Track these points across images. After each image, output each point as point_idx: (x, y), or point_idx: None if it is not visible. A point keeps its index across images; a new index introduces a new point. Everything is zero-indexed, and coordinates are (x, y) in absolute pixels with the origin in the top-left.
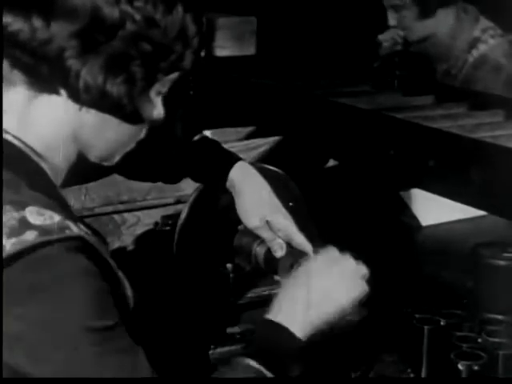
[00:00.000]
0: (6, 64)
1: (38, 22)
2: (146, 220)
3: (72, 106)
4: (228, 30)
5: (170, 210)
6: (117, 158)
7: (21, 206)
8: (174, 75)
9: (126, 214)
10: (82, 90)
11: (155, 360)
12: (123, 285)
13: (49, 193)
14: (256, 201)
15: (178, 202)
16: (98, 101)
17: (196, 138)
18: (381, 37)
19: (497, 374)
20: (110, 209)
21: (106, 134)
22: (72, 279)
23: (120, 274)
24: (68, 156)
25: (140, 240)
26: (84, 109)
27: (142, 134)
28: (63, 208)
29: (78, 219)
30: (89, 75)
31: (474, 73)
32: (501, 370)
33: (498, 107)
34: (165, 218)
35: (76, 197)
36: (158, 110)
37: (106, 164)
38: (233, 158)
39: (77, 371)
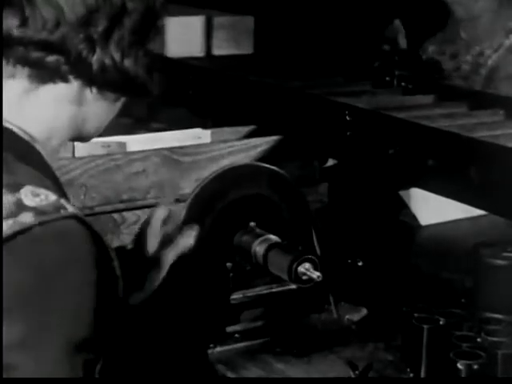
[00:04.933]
0: (5, 61)
1: (49, 18)
2: None
3: (75, 89)
4: (225, 28)
5: None
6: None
7: (16, 187)
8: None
9: (125, 213)
10: (97, 71)
11: (154, 359)
12: (116, 265)
13: (44, 172)
14: None
15: (178, 201)
16: (112, 79)
17: None
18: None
19: (496, 374)
20: (109, 208)
21: (99, 111)
22: (67, 258)
23: (113, 253)
24: (63, 137)
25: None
26: (86, 90)
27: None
28: (58, 187)
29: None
30: (105, 56)
31: (508, 55)
32: (500, 370)
33: (498, 106)
34: None
35: (76, 196)
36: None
37: (87, 141)
38: None
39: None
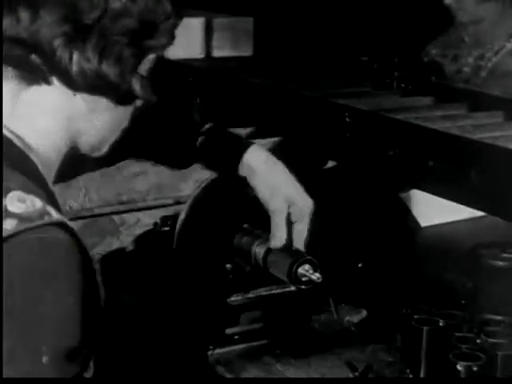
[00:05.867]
0: None
1: (24, 13)
2: (146, 220)
3: (63, 94)
4: (225, 30)
5: (170, 211)
6: (106, 148)
7: (3, 193)
8: (154, 54)
9: (125, 215)
10: (76, 74)
11: (154, 360)
12: (96, 275)
13: (35, 181)
14: (281, 181)
15: (178, 202)
16: (93, 84)
17: (206, 126)
18: None
19: (496, 375)
20: (109, 209)
21: (97, 121)
22: (50, 265)
23: (94, 261)
24: (59, 147)
25: (139, 240)
26: (75, 96)
27: (127, 121)
28: (48, 195)
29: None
30: (82, 59)
31: (508, 58)
32: (500, 371)
33: (498, 108)
34: (164, 218)
35: (75, 197)
36: (148, 88)
37: (95, 155)
38: (245, 143)
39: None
